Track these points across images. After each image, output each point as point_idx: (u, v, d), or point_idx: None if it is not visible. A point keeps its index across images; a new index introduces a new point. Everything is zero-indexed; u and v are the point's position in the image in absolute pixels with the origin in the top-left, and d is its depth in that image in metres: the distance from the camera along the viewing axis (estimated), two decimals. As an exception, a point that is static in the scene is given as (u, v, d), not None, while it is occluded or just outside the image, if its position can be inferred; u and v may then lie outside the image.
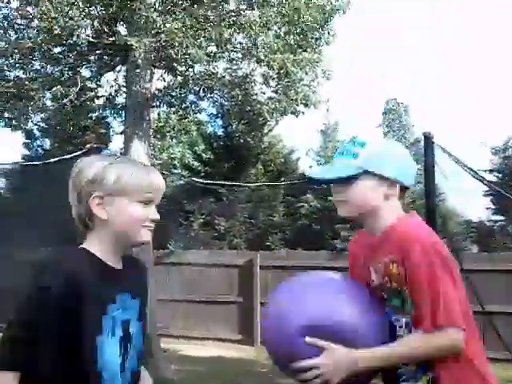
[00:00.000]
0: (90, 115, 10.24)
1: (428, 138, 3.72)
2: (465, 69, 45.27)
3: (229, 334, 8.72)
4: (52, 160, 8.12)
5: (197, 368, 6.66)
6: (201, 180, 10.10)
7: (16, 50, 7.78)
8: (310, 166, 13.25)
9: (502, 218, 12.22)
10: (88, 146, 9.08)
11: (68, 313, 1.14)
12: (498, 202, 11.88)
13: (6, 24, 7.63)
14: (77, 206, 1.31)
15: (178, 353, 7.59)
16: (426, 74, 47.96)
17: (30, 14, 7.08)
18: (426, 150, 3.76)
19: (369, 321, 1.42)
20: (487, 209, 12.58)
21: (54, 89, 8.31)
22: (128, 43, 6.52)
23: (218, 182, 8.29)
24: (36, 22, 7.19)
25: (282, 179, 11.30)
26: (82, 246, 1.31)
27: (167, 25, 5.98)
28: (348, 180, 1.47)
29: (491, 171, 12.05)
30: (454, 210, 14.93)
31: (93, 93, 9.42)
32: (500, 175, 11.98)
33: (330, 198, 9.01)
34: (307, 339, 1.39)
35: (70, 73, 8.61)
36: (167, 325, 7.96)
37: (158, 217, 1.33)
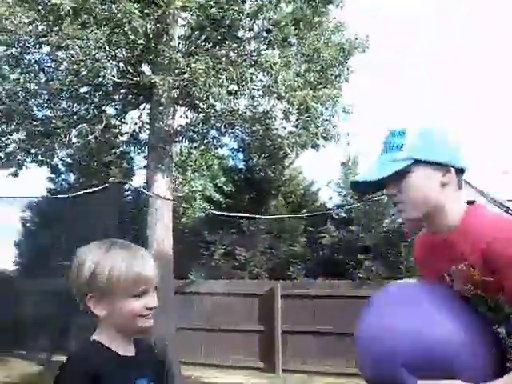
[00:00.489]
0: (113, 151, 10.51)
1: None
2: (483, 96, 45.20)
3: (250, 362, 8.70)
4: (75, 194, 8.33)
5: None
6: (221, 212, 10.20)
7: (45, 91, 8.10)
8: (331, 198, 13.28)
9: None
10: (110, 180, 9.35)
11: None
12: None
13: (36, 67, 7.96)
14: (78, 301, 1.36)
15: (200, 379, 7.59)
16: (443, 102, 47.96)
17: (60, 58, 7.38)
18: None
19: (478, 342, 1.22)
20: None
21: (80, 126, 8.59)
22: (152, 81, 6.74)
23: (237, 214, 8.37)
24: (65, 64, 7.49)
25: (304, 210, 11.34)
26: (93, 337, 1.35)
27: (192, 65, 6.18)
28: (398, 176, 1.31)
29: (514, 198, 11.92)
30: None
31: (117, 130, 9.70)
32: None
33: (351, 227, 8.97)
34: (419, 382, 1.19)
35: (95, 111, 8.90)
36: (189, 353, 7.99)
37: (155, 305, 1.35)
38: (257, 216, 8.45)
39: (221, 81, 6.30)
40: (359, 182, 1.41)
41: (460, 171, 1.36)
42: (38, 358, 8.10)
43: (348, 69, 7.09)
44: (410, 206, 1.34)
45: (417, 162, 1.31)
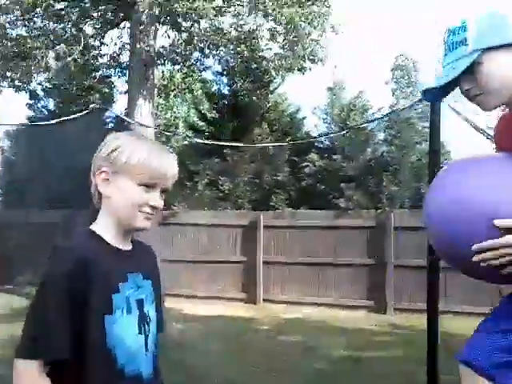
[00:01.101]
0: (93, 75, 10.15)
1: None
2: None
3: (232, 293, 8.87)
4: (55, 121, 8.09)
5: (200, 326, 6.80)
6: (205, 141, 10.05)
7: (17, 7, 7.66)
8: (316, 125, 13.16)
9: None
10: (91, 106, 9.08)
11: (76, 295, 1.16)
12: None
13: (6, -22, 7.48)
14: (92, 180, 1.32)
15: (182, 312, 7.74)
16: (436, 26, 46.88)
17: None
18: (432, 107, 3.64)
19: None
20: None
21: (57, 47, 8.22)
22: None
23: (222, 143, 8.24)
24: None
25: (288, 139, 11.23)
26: (90, 227, 1.32)
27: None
28: (472, 69, 1.26)
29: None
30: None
31: (96, 51, 9.32)
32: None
33: (334, 156, 8.95)
34: (497, 222, 1.17)
35: (73, 30, 8.49)
36: (171, 284, 8.10)
37: (159, 204, 1.31)
38: (240, 144, 8.31)
39: (204, -5, 5.99)
40: (430, 89, 1.36)
41: None
42: (25, 293, 8.11)
43: (338, -15, 6.77)
44: (491, 95, 1.29)
45: (486, 51, 1.26)
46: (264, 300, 8.68)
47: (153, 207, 1.30)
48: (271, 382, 4.49)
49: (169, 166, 1.33)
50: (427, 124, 8.13)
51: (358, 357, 5.24)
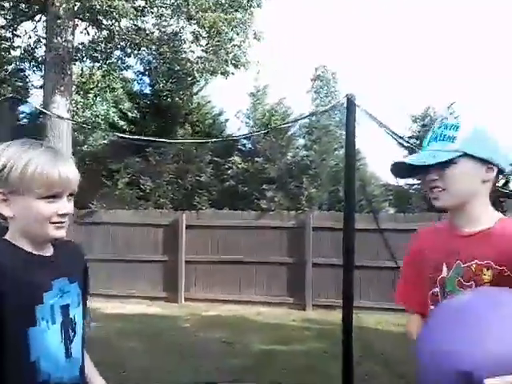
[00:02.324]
0: (5, 67, 9.60)
1: (350, 100, 3.78)
2: (391, 37, 46.63)
3: (153, 292, 8.79)
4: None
5: (120, 325, 6.70)
6: (125, 135, 9.77)
7: None
8: (239, 128, 13.28)
9: (417, 182, 12.97)
10: (8, 96, 8.56)
11: None
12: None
13: None
14: None
15: (101, 311, 7.56)
16: (355, 41, 48.86)
17: None
18: (348, 112, 3.82)
19: None
20: (404, 173, 13.24)
21: (-35, 36, 7.72)
22: None
23: (145, 138, 8.06)
24: None
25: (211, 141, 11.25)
26: (4, 237, 1.25)
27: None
28: (446, 165, 1.34)
29: (410, 138, 12.67)
30: (373, 174, 15.63)
31: (8, 43, 8.83)
32: (418, 142, 12.63)
33: (256, 159, 9.10)
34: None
35: (-18, 19, 8.00)
36: (91, 284, 7.86)
37: (67, 211, 1.25)
38: (162, 140, 8.17)
39: (126, -6, 5.87)
40: (399, 163, 1.43)
41: (500, 172, 1.40)
42: None
43: (261, -7, 6.90)
44: (449, 195, 1.37)
45: (465, 155, 1.34)
46: (186, 299, 8.66)
47: (62, 215, 1.25)
48: (189, 377, 4.52)
49: (68, 172, 1.24)
50: (344, 132, 8.49)
51: (275, 350, 5.40)
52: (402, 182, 13.34)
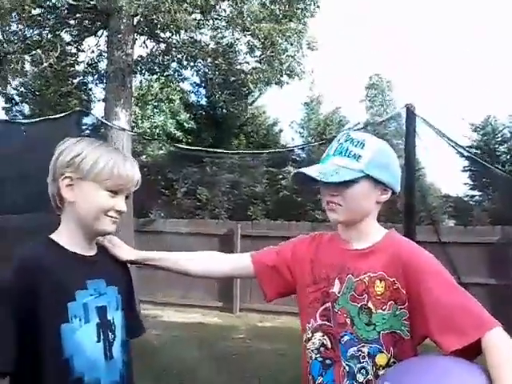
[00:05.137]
0: (70, 81, 10.06)
1: (410, 110, 3.69)
2: (448, 46, 45.39)
3: (209, 302, 8.84)
4: (35, 120, 7.94)
5: (177, 333, 6.78)
6: (184, 146, 9.99)
7: (-7, 11, 7.55)
8: (293, 139, 13.28)
9: (478, 193, 12.46)
10: (75, 109, 8.93)
11: (25, 307, 1.15)
12: (475, 177, 12.08)
13: (-18, -17, 7.36)
14: (51, 185, 1.32)
15: (159, 319, 7.71)
16: (410, 48, 47.92)
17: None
18: (407, 122, 3.73)
19: None
20: (465, 184, 12.80)
21: (34, 52, 8.13)
22: (119, 5, 6.29)
23: (202, 149, 8.20)
24: (14, -19, 6.95)
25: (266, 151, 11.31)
26: (50, 235, 1.31)
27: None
28: (347, 183, 1.37)
29: (470, 147, 12.22)
30: (433, 185, 15.17)
31: (73, 58, 9.24)
32: (478, 151, 12.16)
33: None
34: None
35: (49, 36, 8.41)
36: (148, 291, 8.04)
37: (124, 209, 1.32)
38: (219, 151, 8.29)
39: (184, 7, 5.98)
40: (301, 173, 1.43)
41: (392, 194, 1.46)
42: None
43: (314, 2, 6.85)
44: (344, 211, 1.41)
45: (366, 176, 1.38)
46: (241, 309, 8.67)
47: (118, 212, 1.32)
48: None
49: (134, 172, 1.34)
50: (401, 141, 8.29)
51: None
52: (462, 193, 12.88)
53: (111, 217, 1.31)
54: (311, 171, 1.40)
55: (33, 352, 1.16)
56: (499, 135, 12.17)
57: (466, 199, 12.51)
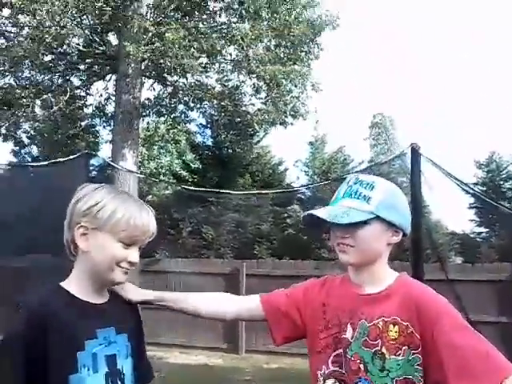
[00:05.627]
0: (78, 123, 10.27)
1: (415, 150, 3.75)
2: (449, 83, 46.07)
3: (214, 343, 8.71)
4: (43, 163, 8.05)
5: (182, 375, 6.67)
6: (190, 188, 10.07)
7: (6, 58, 7.80)
8: (298, 177, 13.37)
9: (485, 230, 12.40)
10: (83, 152, 9.08)
11: (33, 355, 1.15)
12: (481, 214, 12.06)
13: (-4, 32, 7.66)
14: (66, 231, 1.33)
15: (164, 360, 7.59)
16: (412, 87, 48.68)
17: (22, 23, 7.10)
18: (413, 162, 3.78)
19: None
20: (471, 221, 12.76)
21: (44, 97, 8.34)
22: (126, 50, 6.49)
23: (208, 190, 8.29)
24: (27, 29, 7.21)
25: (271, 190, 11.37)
26: (61, 283, 1.31)
27: (164, 34, 6.03)
28: (358, 224, 1.37)
29: (475, 184, 12.25)
30: (438, 222, 15.12)
31: (82, 101, 9.46)
32: (484, 188, 12.18)
33: (316, 207, 9.13)
34: None
35: (59, 81, 8.64)
36: (152, 333, 7.94)
37: (137, 260, 1.33)
38: (225, 191, 8.37)
39: (191, 52, 6.16)
40: (312, 215, 1.43)
41: (403, 235, 1.46)
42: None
43: (318, 46, 7.04)
44: (356, 252, 1.40)
45: (377, 217, 1.38)
46: (246, 350, 8.52)
47: (131, 263, 1.32)
48: None
49: (150, 223, 1.34)
50: (405, 179, 8.35)
51: None
52: (468, 230, 12.81)
53: (123, 267, 1.31)
54: (321, 213, 1.40)
55: None
56: (504, 172, 12.20)
57: (472, 236, 12.44)
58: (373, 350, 1.36)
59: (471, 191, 6.40)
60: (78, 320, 1.24)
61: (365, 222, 1.37)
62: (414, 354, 1.33)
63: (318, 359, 1.47)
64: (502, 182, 12.14)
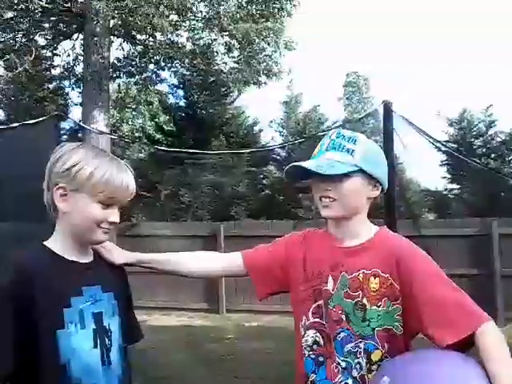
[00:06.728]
0: (46, 86, 9.93)
1: (387, 107, 3.75)
2: (424, 41, 46.02)
3: (194, 304, 8.82)
4: (11, 126, 7.82)
5: (163, 337, 6.74)
6: (166, 149, 9.93)
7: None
8: (272, 138, 13.32)
9: (457, 186, 12.63)
10: (52, 113, 8.82)
11: (20, 311, 1.15)
12: (453, 171, 12.26)
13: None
14: (46, 193, 1.31)
15: (145, 323, 7.65)
16: (386, 46, 48.43)
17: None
18: (385, 119, 3.78)
19: None
20: (443, 178, 12.98)
21: (7, 57, 8.02)
22: (96, 8, 6.22)
23: (182, 150, 8.17)
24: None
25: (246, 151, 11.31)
26: (45, 242, 1.31)
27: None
28: (341, 177, 1.38)
29: (447, 141, 12.39)
30: (412, 180, 15.35)
31: (49, 62, 9.13)
32: (455, 146, 12.33)
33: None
34: None
35: (23, 40, 8.29)
36: (133, 296, 7.98)
37: (117, 220, 1.33)
38: (202, 151, 8.26)
39: (161, 10, 5.95)
40: (296, 167, 1.43)
41: (381, 192, 1.48)
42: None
43: (291, 1, 6.87)
44: (338, 207, 1.41)
45: (360, 170, 1.39)
46: (227, 310, 8.64)
47: (111, 223, 1.32)
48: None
49: (129, 183, 1.34)
50: (379, 137, 8.39)
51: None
52: (441, 187, 13.06)
53: (104, 228, 1.31)
54: (306, 164, 1.40)
55: (30, 357, 1.16)
56: (475, 129, 12.36)
57: (445, 193, 12.68)
58: (354, 301, 1.39)
59: (443, 148, 6.47)
60: (64, 277, 1.25)
61: (347, 175, 1.38)
62: (394, 304, 1.37)
63: (299, 311, 1.49)
64: (473, 140, 12.31)
